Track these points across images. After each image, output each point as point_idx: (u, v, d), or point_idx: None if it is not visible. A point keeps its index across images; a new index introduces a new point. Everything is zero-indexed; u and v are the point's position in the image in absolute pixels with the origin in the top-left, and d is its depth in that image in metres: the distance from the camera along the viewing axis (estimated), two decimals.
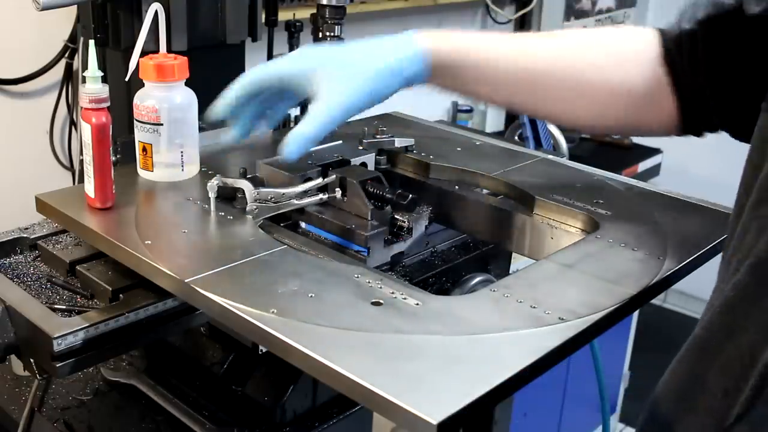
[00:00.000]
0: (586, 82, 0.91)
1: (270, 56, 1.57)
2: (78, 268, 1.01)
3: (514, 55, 0.93)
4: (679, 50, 0.89)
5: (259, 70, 0.95)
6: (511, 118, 2.75)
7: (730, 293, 0.68)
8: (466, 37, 0.94)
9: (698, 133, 0.92)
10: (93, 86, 0.96)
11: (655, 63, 0.90)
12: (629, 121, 0.94)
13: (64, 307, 0.96)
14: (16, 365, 1.16)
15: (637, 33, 0.94)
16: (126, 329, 0.91)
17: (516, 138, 2.36)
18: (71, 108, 1.64)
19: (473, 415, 0.64)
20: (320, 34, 1.44)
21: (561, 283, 0.85)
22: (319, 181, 1.09)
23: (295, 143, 0.89)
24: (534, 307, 0.79)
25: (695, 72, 0.87)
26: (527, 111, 1.09)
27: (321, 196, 1.08)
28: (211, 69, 1.31)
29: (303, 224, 1.11)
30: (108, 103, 0.98)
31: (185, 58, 1.09)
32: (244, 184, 1.02)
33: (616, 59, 0.92)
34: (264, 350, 1.04)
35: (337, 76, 0.90)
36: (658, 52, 0.90)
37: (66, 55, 1.58)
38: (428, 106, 2.52)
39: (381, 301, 0.79)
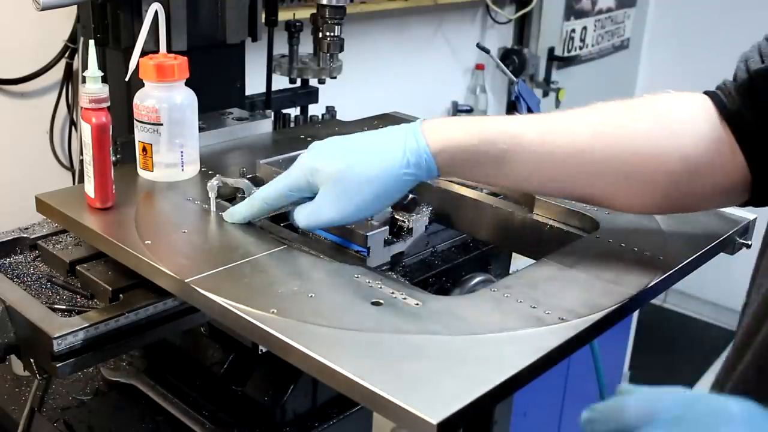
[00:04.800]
0: (632, 154, 0.82)
1: (270, 56, 1.57)
2: (78, 268, 1.01)
3: (537, 139, 0.83)
4: (748, 94, 0.81)
5: (272, 191, 0.92)
6: None
7: None
8: (478, 127, 0.85)
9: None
10: (93, 86, 0.96)
11: (712, 124, 0.82)
12: (682, 194, 0.85)
13: (64, 307, 0.96)
14: (16, 365, 1.16)
15: (682, 97, 0.86)
16: (126, 329, 0.91)
17: None
18: (71, 108, 1.63)
19: (473, 415, 0.64)
20: (320, 34, 1.44)
21: (561, 283, 0.85)
22: None
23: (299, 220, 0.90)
24: (534, 307, 0.79)
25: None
26: (562, 196, 0.96)
27: None
28: (211, 69, 1.32)
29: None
30: (108, 103, 0.98)
31: (185, 58, 1.09)
32: (244, 184, 1.02)
33: (662, 124, 0.83)
34: (264, 350, 1.04)
35: (336, 195, 0.86)
36: (712, 112, 0.82)
37: (66, 55, 1.58)
38: (428, 106, 2.53)
39: (381, 301, 0.79)
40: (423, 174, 0.85)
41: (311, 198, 0.89)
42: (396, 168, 0.84)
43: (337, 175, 0.85)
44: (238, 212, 0.96)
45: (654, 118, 0.84)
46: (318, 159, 0.88)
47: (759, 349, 0.69)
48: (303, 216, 0.89)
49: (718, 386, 0.75)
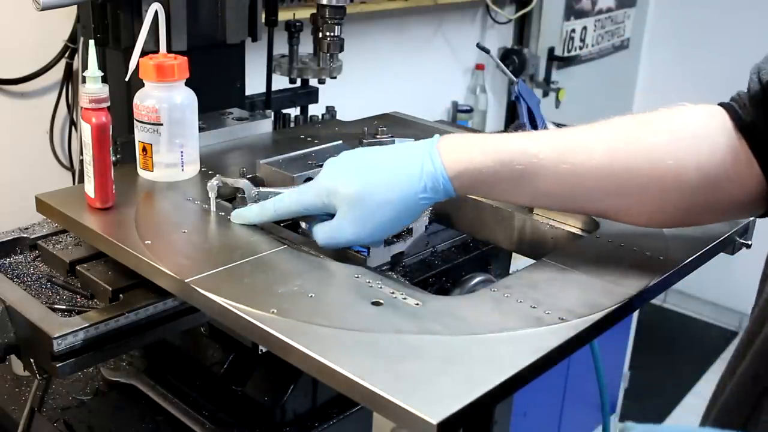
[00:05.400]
0: (649, 168, 0.82)
1: (270, 56, 1.57)
2: (78, 268, 1.01)
3: (554, 158, 0.83)
4: (762, 105, 0.80)
5: (286, 207, 0.92)
6: (511, 118, 2.76)
7: None
8: (494, 147, 0.84)
9: None
10: (93, 86, 0.96)
11: (728, 135, 0.81)
12: (699, 207, 0.85)
13: (64, 307, 0.96)
14: (16, 365, 1.16)
15: (698, 109, 0.85)
16: (126, 329, 0.91)
17: None
18: (71, 108, 1.63)
19: (473, 415, 0.64)
20: (320, 34, 1.44)
21: (561, 283, 0.85)
22: None
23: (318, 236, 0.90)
24: (534, 307, 0.79)
25: None
26: (581, 212, 0.98)
27: None
28: (211, 69, 1.32)
29: (303, 224, 1.11)
30: (108, 103, 0.98)
31: (185, 58, 1.09)
32: (244, 184, 1.02)
33: (678, 137, 0.83)
34: (264, 350, 1.04)
35: (354, 218, 0.86)
36: (728, 124, 0.82)
37: (66, 55, 1.58)
38: (428, 106, 2.53)
39: (381, 301, 0.79)
40: (440, 196, 0.85)
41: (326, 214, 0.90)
42: (413, 193, 0.84)
43: (354, 198, 0.85)
44: (246, 216, 0.96)
45: (670, 132, 0.83)
46: (335, 180, 0.87)
47: (755, 357, 0.69)
48: (322, 236, 0.89)
49: (720, 391, 0.75)
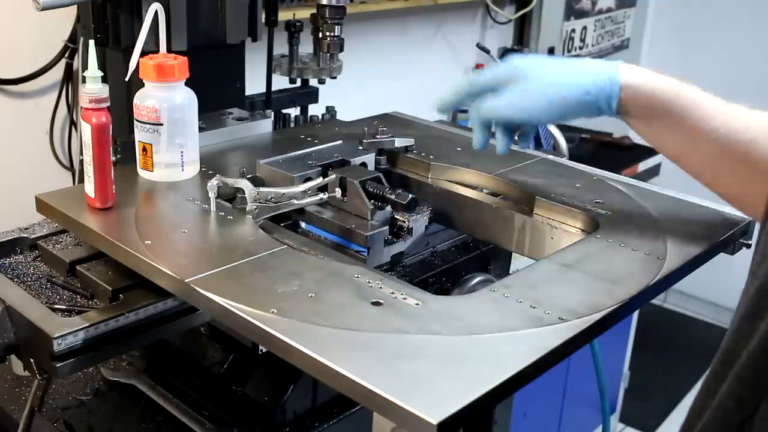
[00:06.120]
0: None
1: (270, 56, 1.57)
2: (78, 268, 1.01)
3: (724, 117, 0.88)
4: None
5: (478, 77, 1.01)
6: None
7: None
8: (667, 81, 0.90)
9: None
10: (93, 86, 0.96)
11: None
12: None
13: (64, 307, 0.96)
14: (16, 365, 1.16)
15: None
16: (126, 329, 0.91)
17: (516, 138, 2.35)
18: (71, 108, 1.64)
19: (473, 415, 0.64)
20: (320, 34, 1.44)
21: (561, 283, 0.85)
22: (319, 181, 1.09)
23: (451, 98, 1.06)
24: (534, 307, 0.79)
25: None
26: (708, 183, 0.97)
27: (321, 196, 1.08)
28: (211, 69, 1.32)
29: (303, 224, 1.11)
30: (108, 103, 0.98)
31: (185, 58, 1.09)
32: (244, 184, 1.02)
33: None
34: (264, 350, 1.04)
35: (527, 87, 0.94)
36: None
37: (66, 55, 1.58)
38: (428, 106, 2.52)
39: (381, 301, 0.79)
40: (603, 101, 0.90)
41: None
42: (585, 87, 0.91)
43: (534, 69, 0.94)
44: (446, 93, 1.08)
45: None
46: (531, 62, 0.96)
47: (737, 379, 0.67)
48: (492, 104, 0.97)
49: (696, 414, 0.72)
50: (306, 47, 1.64)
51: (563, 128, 2.33)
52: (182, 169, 1.11)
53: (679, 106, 0.89)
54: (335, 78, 1.64)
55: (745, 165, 0.87)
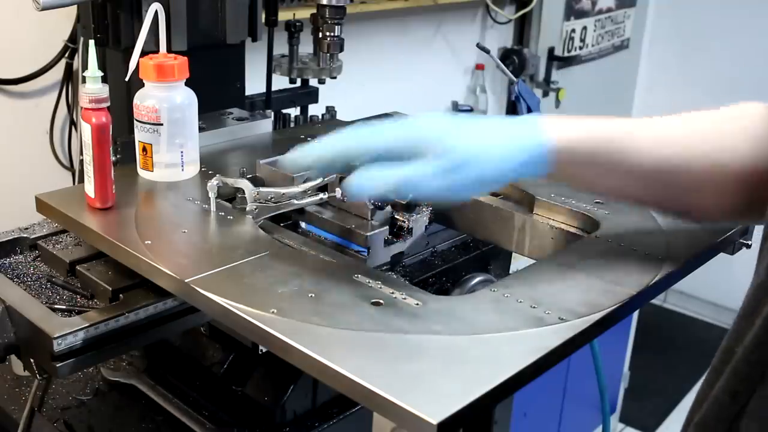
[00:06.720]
0: (722, 166, 0.83)
1: (270, 56, 1.57)
2: (78, 268, 1.01)
3: (650, 146, 0.83)
4: None
5: (354, 140, 0.81)
6: None
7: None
8: (593, 126, 0.84)
9: None
10: (93, 86, 0.96)
11: None
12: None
13: (64, 307, 0.96)
14: (16, 365, 1.16)
15: (758, 107, 0.86)
16: (126, 329, 0.91)
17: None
18: (71, 108, 1.64)
19: (473, 415, 0.64)
20: (320, 34, 1.44)
21: (561, 283, 0.85)
22: (319, 181, 1.09)
23: (367, 184, 0.79)
24: (534, 307, 0.79)
25: None
26: (658, 206, 0.95)
27: (321, 196, 1.08)
28: (211, 69, 1.32)
29: (303, 224, 1.11)
30: (108, 103, 0.98)
31: (185, 58, 1.09)
32: (244, 184, 1.02)
33: (752, 133, 0.83)
34: (264, 350, 1.04)
35: (444, 168, 0.78)
36: None
37: (66, 55, 1.58)
38: (428, 106, 2.53)
39: (381, 301, 0.79)
40: (535, 170, 0.82)
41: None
42: (510, 159, 0.80)
43: (457, 147, 0.79)
44: (307, 154, 0.83)
45: (743, 130, 0.84)
46: (434, 125, 0.81)
47: (733, 373, 0.67)
48: (394, 180, 0.78)
49: (697, 407, 0.73)
50: (306, 47, 1.64)
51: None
52: (182, 169, 1.11)
53: (614, 149, 0.83)
54: (335, 78, 1.64)
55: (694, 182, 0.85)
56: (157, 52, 1.10)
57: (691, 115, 0.87)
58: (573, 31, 3.01)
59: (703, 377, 0.73)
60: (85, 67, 1.11)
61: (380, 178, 0.78)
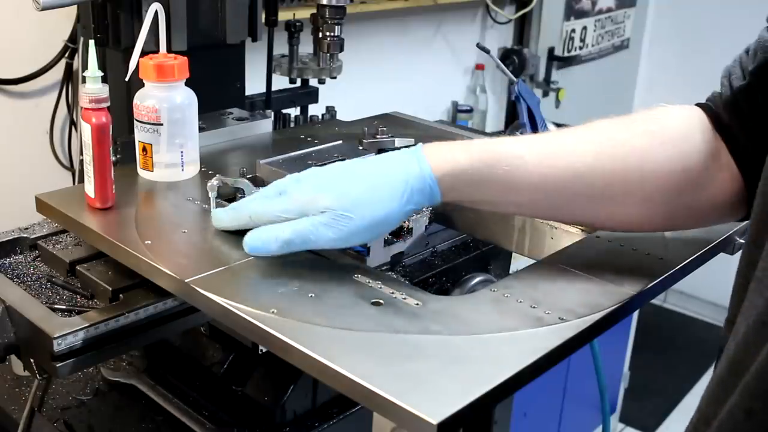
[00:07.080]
0: (633, 171, 0.82)
1: (270, 56, 1.57)
2: (78, 268, 1.01)
3: (539, 161, 0.82)
4: (734, 111, 0.81)
5: (258, 215, 0.86)
6: (511, 118, 2.76)
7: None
8: (479, 149, 0.83)
9: None
10: (93, 86, 0.96)
11: (707, 136, 0.82)
12: (681, 210, 0.85)
13: (64, 307, 0.96)
14: (16, 365, 1.16)
15: (677, 110, 0.85)
16: (126, 329, 0.91)
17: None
18: (71, 108, 1.64)
19: (473, 415, 0.64)
20: (320, 34, 1.44)
21: (561, 283, 0.85)
22: None
23: (260, 246, 0.84)
24: (534, 307, 0.79)
25: (755, 129, 0.79)
26: (562, 220, 0.96)
27: None
28: (211, 69, 1.32)
29: None
30: (108, 103, 0.98)
31: (185, 58, 1.09)
32: (244, 184, 1.02)
33: (661, 139, 0.82)
34: (264, 350, 1.04)
35: (335, 225, 0.81)
36: (707, 124, 0.82)
37: (66, 55, 1.58)
38: (428, 106, 2.53)
39: (381, 301, 0.79)
40: (426, 202, 0.83)
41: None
42: (398, 201, 0.81)
43: (337, 209, 0.80)
44: (221, 219, 0.92)
45: (651, 134, 0.83)
46: (320, 192, 0.82)
47: (746, 391, 0.64)
48: (290, 234, 0.82)
49: (703, 424, 0.71)
50: (306, 47, 1.64)
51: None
52: (182, 169, 1.11)
53: (499, 169, 0.82)
54: (335, 78, 1.64)
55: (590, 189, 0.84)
56: (157, 52, 1.10)
57: (603, 122, 0.86)
58: (573, 31, 3.01)
59: (707, 387, 0.71)
60: (85, 67, 1.11)
61: (270, 237, 0.83)
